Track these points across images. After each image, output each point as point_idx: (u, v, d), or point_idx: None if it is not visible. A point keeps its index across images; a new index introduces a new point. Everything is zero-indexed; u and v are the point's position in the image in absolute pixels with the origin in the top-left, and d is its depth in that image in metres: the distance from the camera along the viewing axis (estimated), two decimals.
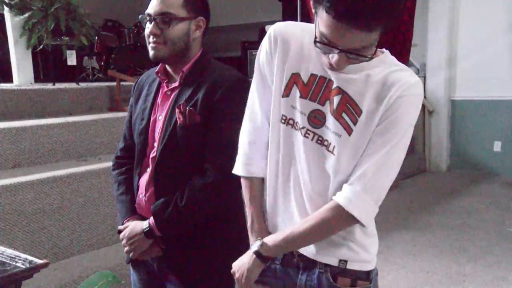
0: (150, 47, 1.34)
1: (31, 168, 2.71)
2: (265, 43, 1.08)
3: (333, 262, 1.06)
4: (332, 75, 1.00)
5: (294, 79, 1.04)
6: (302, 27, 1.07)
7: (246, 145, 1.13)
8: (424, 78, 5.57)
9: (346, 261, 1.06)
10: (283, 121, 1.05)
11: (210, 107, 1.29)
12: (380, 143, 0.97)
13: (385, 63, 1.00)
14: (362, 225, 1.01)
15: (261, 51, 1.09)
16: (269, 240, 1.08)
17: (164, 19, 1.30)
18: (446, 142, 5.59)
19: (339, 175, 1.01)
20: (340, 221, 1.00)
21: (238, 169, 1.14)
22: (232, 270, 1.14)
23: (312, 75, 1.02)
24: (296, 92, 1.04)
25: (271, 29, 1.08)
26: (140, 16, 1.37)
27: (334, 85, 1.00)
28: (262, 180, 1.12)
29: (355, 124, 0.97)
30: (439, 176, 5.43)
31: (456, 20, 5.41)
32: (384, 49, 1.03)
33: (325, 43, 0.90)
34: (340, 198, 0.99)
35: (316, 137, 1.01)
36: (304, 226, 1.02)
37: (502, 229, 3.59)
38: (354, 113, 0.97)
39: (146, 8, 1.35)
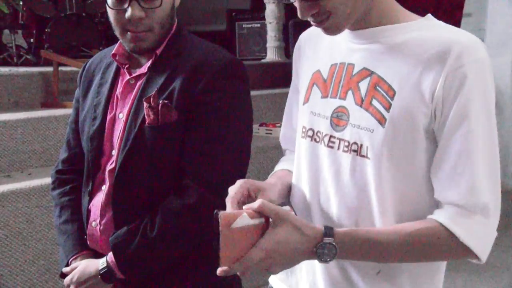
0: (130, 37, 1.34)
1: None
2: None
3: None
4: (353, 55, 1.06)
5: (314, 79, 1.14)
6: None
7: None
8: None
9: None
10: (303, 134, 1.14)
11: (192, 100, 1.31)
12: (461, 143, 0.96)
13: (426, 26, 1.03)
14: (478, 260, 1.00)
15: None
16: (340, 231, 0.99)
17: None
18: None
19: (382, 188, 1.02)
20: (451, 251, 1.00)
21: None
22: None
23: (332, 66, 1.11)
24: (316, 93, 1.12)
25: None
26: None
27: (358, 68, 1.05)
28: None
29: (388, 110, 1.00)
30: None
31: None
32: (428, 15, 1.06)
33: None
34: (447, 219, 0.97)
35: (342, 143, 1.05)
36: (394, 236, 0.98)
37: None
38: (386, 96, 1.01)
39: None
